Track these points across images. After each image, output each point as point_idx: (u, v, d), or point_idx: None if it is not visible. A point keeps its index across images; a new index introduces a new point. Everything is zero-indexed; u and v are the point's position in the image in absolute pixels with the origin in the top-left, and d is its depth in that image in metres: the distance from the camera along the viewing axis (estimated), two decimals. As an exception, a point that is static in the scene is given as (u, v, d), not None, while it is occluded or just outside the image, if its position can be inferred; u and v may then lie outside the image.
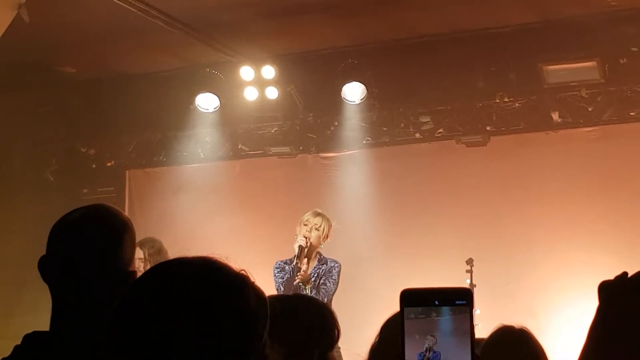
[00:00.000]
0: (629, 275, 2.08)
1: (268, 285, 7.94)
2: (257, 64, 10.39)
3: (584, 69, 9.52)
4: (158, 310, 1.85)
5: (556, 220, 9.65)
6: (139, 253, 7.79)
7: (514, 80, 9.83)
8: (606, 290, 2.07)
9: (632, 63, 9.37)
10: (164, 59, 10.72)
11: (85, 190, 11.66)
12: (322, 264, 8.24)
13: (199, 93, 10.52)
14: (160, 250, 7.96)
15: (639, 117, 9.68)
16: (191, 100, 10.60)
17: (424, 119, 10.52)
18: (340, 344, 3.21)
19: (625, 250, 8.88)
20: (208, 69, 10.47)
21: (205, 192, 11.17)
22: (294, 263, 8.13)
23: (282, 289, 8.04)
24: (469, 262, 8.88)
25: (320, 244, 8.31)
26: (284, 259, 8.36)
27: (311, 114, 10.80)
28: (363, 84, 10.01)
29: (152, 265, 2.59)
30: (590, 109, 9.82)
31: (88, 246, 2.63)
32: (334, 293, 8.10)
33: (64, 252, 2.64)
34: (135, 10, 8.91)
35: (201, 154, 11.39)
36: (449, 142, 10.37)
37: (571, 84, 9.68)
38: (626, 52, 9.36)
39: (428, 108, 10.42)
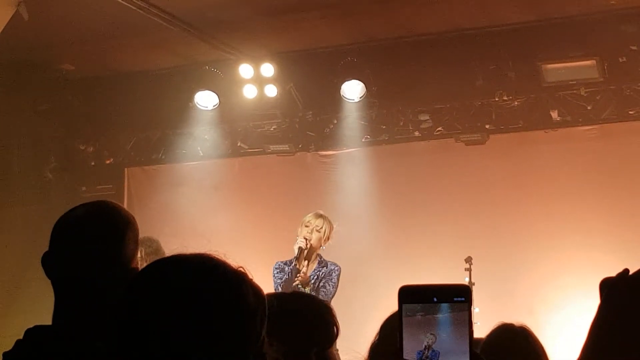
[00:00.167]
0: (630, 272, 2.07)
1: (266, 282, 7.94)
2: (256, 61, 10.38)
3: (583, 67, 9.52)
4: (155, 307, 1.85)
5: (555, 218, 9.65)
6: (136, 251, 7.76)
7: (513, 78, 9.83)
8: (608, 287, 2.07)
9: (631, 62, 9.37)
10: (163, 57, 10.71)
11: (84, 188, 11.66)
12: (322, 267, 8.22)
13: (198, 91, 10.52)
14: (157, 250, 7.93)
15: (638, 116, 9.68)
16: (190, 98, 10.60)
17: (423, 117, 10.52)
18: (339, 342, 3.20)
19: (624, 249, 8.88)
20: (207, 67, 10.47)
21: (204, 190, 11.17)
22: (293, 264, 8.11)
23: (281, 289, 8.02)
24: (468, 260, 8.88)
25: (321, 245, 8.28)
26: (283, 259, 8.34)
27: (310, 112, 10.80)
28: (362, 82, 10.01)
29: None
30: (589, 108, 9.82)
31: (90, 242, 2.64)
32: (333, 296, 8.06)
33: (67, 248, 2.65)
34: (134, 8, 8.90)
35: (200, 152, 11.39)
36: (448, 141, 10.37)
37: (570, 82, 9.68)
38: (625, 51, 9.35)
39: (427, 106, 10.42)
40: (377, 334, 3.51)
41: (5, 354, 2.50)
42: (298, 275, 8.03)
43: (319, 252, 8.30)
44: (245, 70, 10.41)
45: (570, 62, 9.53)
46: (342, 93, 10.12)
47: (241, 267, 1.96)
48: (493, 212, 9.98)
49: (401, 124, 10.59)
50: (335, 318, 3.24)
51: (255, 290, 1.95)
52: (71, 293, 2.61)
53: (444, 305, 1.58)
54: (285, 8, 9.26)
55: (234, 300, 1.89)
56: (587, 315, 2.14)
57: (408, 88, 10.19)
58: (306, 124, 10.92)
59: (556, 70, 9.58)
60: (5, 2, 7.72)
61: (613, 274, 2.14)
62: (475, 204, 10.02)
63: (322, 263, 8.24)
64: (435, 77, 9.92)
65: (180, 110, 10.88)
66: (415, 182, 10.47)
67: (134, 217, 2.75)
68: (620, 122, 9.74)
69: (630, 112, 9.70)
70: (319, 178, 10.88)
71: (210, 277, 1.90)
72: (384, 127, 10.64)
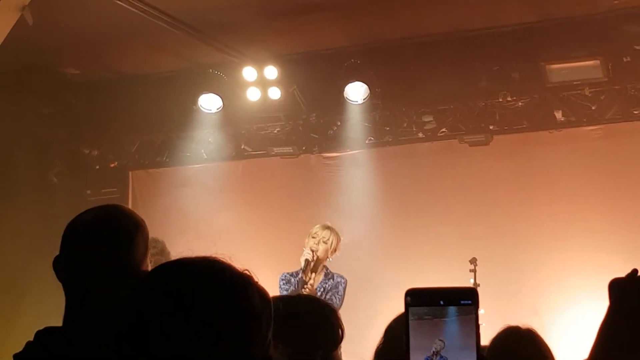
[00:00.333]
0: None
1: (271, 285, 7.94)
2: (259, 64, 10.38)
3: (587, 67, 9.51)
4: (161, 310, 1.86)
5: (560, 219, 9.64)
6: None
7: (516, 79, 9.82)
8: (617, 288, 2.07)
9: (635, 61, 9.36)
10: (166, 60, 10.72)
11: (88, 192, 11.66)
12: (329, 279, 8.20)
13: (201, 94, 10.52)
14: (162, 251, 7.94)
15: (642, 116, 9.68)
16: (194, 101, 10.60)
17: (426, 119, 10.51)
18: (344, 345, 3.21)
19: (628, 249, 8.86)
20: (211, 70, 10.47)
21: (208, 193, 11.17)
22: (300, 277, 8.09)
23: None
24: (473, 261, 8.86)
25: (327, 257, 8.27)
26: (287, 261, 8.35)
27: (314, 114, 10.80)
28: (366, 83, 10.00)
29: (154, 265, 2.61)
30: (593, 108, 9.81)
31: (100, 246, 2.66)
32: (339, 309, 8.03)
33: (77, 251, 2.68)
34: (138, 12, 8.91)
35: (204, 155, 11.39)
36: (452, 142, 10.36)
37: (574, 82, 9.67)
38: (629, 51, 9.34)
39: (431, 107, 10.41)
40: (382, 337, 3.50)
41: (15, 356, 2.52)
42: (304, 287, 8.01)
43: (326, 263, 8.28)
44: (248, 72, 10.41)
45: (574, 62, 9.52)
46: (345, 95, 10.12)
47: (247, 270, 1.96)
48: (497, 213, 9.97)
49: (405, 125, 10.59)
50: (340, 321, 3.25)
51: (261, 293, 1.95)
52: (82, 296, 2.63)
53: (451, 309, 1.57)
54: (289, 10, 9.26)
55: (240, 304, 1.89)
56: (591, 316, 2.15)
57: (411, 89, 10.19)
58: (310, 126, 10.92)
59: (560, 70, 9.57)
60: (10, 6, 7.72)
61: (617, 274, 2.13)
62: (479, 205, 10.01)
63: (329, 275, 8.22)
64: (438, 78, 9.91)
65: (184, 113, 10.88)
66: (419, 183, 10.46)
67: (144, 221, 2.77)
68: (624, 122, 9.73)
69: (635, 112, 9.68)
70: (323, 180, 10.88)
71: (217, 281, 1.90)
72: (388, 128, 10.63)
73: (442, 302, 1.57)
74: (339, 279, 8.19)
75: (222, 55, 10.37)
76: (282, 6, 9.17)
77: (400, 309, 1.61)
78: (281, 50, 10.37)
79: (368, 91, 10.05)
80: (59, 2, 8.74)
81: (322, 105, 10.65)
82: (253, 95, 10.52)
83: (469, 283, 8.57)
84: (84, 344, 2.51)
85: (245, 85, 10.48)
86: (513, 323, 4.03)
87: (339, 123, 10.75)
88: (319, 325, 3.16)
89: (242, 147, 11.31)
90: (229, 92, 10.51)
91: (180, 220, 10.87)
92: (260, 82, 10.45)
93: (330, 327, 3.21)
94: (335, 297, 8.04)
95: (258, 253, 9.39)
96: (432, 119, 10.47)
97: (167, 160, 11.65)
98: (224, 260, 1.94)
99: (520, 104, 10.01)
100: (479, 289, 1.72)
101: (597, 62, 9.43)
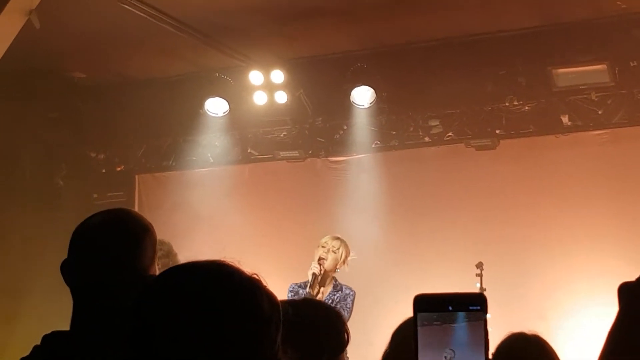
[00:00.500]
0: None
1: (277, 289, 7.92)
2: (266, 68, 10.39)
3: (594, 72, 9.50)
4: (169, 314, 1.85)
5: (566, 223, 9.63)
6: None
7: (523, 83, 9.81)
8: (627, 292, 2.06)
9: (642, 66, 9.36)
10: (173, 64, 10.73)
11: (95, 195, 11.67)
12: (337, 291, 8.14)
13: (208, 97, 10.53)
14: (169, 253, 7.93)
15: (649, 120, 9.67)
16: (200, 105, 10.61)
17: (433, 123, 10.51)
18: (350, 349, 3.21)
19: (636, 253, 8.84)
20: (217, 74, 10.48)
21: (215, 197, 11.17)
22: (307, 291, 8.06)
23: None
24: (479, 265, 8.86)
25: (336, 268, 8.22)
26: (292, 265, 8.33)
27: (320, 118, 10.80)
28: (372, 87, 10.00)
29: (161, 267, 2.62)
30: (600, 112, 9.80)
31: (108, 250, 2.66)
32: (347, 321, 7.98)
33: (85, 255, 2.67)
34: (144, 16, 8.93)
35: (210, 159, 11.40)
36: (458, 146, 10.35)
37: (581, 87, 9.66)
38: (636, 55, 9.32)
39: (437, 112, 10.41)
40: (390, 342, 3.50)
41: None
42: None
43: (334, 275, 8.25)
44: (255, 76, 10.42)
45: (581, 66, 9.51)
46: (352, 99, 10.12)
47: (255, 273, 1.96)
48: (504, 218, 9.95)
49: (411, 129, 10.58)
50: (346, 326, 3.26)
51: (270, 297, 1.94)
52: (89, 300, 2.63)
53: (460, 314, 1.56)
54: (295, 15, 9.27)
55: (249, 308, 1.88)
56: (598, 320, 2.15)
57: (418, 93, 10.19)
58: (316, 130, 10.92)
59: (567, 74, 9.57)
60: (17, 10, 7.73)
61: (624, 279, 2.13)
62: (485, 210, 10.00)
63: (337, 287, 8.18)
64: (445, 83, 9.91)
65: (190, 117, 10.89)
66: (425, 187, 10.45)
67: (152, 225, 2.77)
68: (631, 126, 9.71)
69: (641, 117, 9.68)
70: (329, 184, 10.87)
71: (225, 284, 1.89)
72: (394, 132, 10.63)
73: (450, 308, 1.57)
74: (347, 291, 8.14)
75: (228, 59, 10.38)
76: (289, 10, 9.18)
77: (406, 313, 1.61)
78: (288, 54, 10.38)
79: (374, 95, 10.05)
80: (65, 6, 8.76)
81: (328, 109, 10.65)
82: (259, 99, 10.52)
83: (475, 287, 8.56)
84: (92, 348, 2.51)
85: (251, 89, 10.49)
86: (519, 328, 4.00)
87: (345, 127, 10.75)
88: (325, 329, 3.16)
89: (249, 151, 11.31)
90: (236, 96, 10.52)
91: (186, 224, 10.87)
92: (267, 86, 10.46)
93: (336, 331, 3.21)
94: (344, 310, 7.94)
95: (264, 257, 9.40)
96: (438, 123, 10.47)
97: (174, 164, 11.65)
98: (232, 264, 1.94)
99: (526, 108, 10.00)
100: (485, 294, 1.73)
101: (604, 66, 9.42)
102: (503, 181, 10.10)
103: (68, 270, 2.68)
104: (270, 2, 9.00)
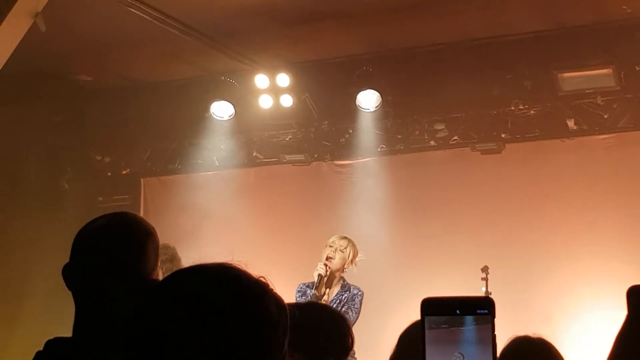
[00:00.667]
0: None
1: (283, 293, 7.92)
2: (272, 71, 10.40)
3: (600, 76, 9.49)
4: (176, 318, 1.82)
5: (572, 227, 9.62)
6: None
7: (529, 87, 9.80)
8: (636, 295, 2.05)
9: (647, 70, 9.35)
10: (178, 67, 10.74)
11: (100, 198, 11.68)
12: (345, 291, 8.10)
13: (214, 101, 10.54)
14: (173, 257, 7.92)
15: (655, 125, 9.66)
16: (206, 108, 10.61)
17: (438, 127, 10.51)
18: (358, 352, 3.21)
19: (641, 258, 8.86)
20: (223, 77, 10.48)
21: (220, 200, 11.17)
22: (313, 292, 8.03)
23: None
24: (485, 269, 8.85)
25: (344, 267, 8.19)
26: (298, 269, 8.31)
27: (326, 122, 10.80)
28: (378, 91, 10.01)
29: (164, 272, 2.60)
30: (605, 117, 9.79)
31: (110, 254, 2.64)
32: (355, 322, 7.96)
33: (87, 259, 2.66)
34: (150, 19, 8.93)
35: (216, 162, 11.40)
36: (464, 150, 10.35)
37: (586, 91, 9.65)
38: (642, 59, 9.34)
39: (443, 115, 10.40)
40: (397, 344, 3.50)
41: None
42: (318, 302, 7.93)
43: (342, 274, 8.22)
44: (260, 80, 10.43)
45: (587, 70, 9.50)
46: (357, 103, 10.12)
47: (262, 276, 1.94)
48: (509, 221, 9.95)
49: (417, 133, 10.58)
50: (351, 330, 3.26)
51: (278, 300, 1.92)
52: (92, 304, 2.61)
53: (468, 318, 1.56)
54: (301, 18, 9.27)
55: (257, 311, 1.86)
56: (604, 324, 2.14)
57: (423, 97, 10.18)
58: (322, 133, 10.92)
59: (572, 78, 9.56)
60: (23, 13, 7.74)
61: (630, 283, 2.12)
62: (491, 213, 10.00)
63: (345, 287, 8.13)
64: (450, 86, 9.90)
65: (196, 121, 10.90)
66: (430, 191, 10.44)
67: (154, 229, 2.75)
68: (636, 130, 9.70)
69: (647, 121, 9.67)
70: (335, 188, 10.87)
71: (232, 288, 1.87)
72: (400, 136, 10.63)
73: (458, 312, 1.56)
74: (355, 291, 8.09)
75: (234, 63, 10.39)
76: (295, 14, 9.18)
77: (412, 316, 1.61)
78: (293, 58, 10.39)
79: (380, 99, 10.06)
80: (71, 9, 8.76)
81: (334, 113, 10.65)
82: (265, 102, 10.53)
83: (481, 291, 8.55)
84: (95, 353, 2.51)
85: (257, 92, 10.49)
86: (525, 331, 3.98)
87: (350, 131, 10.75)
88: (331, 333, 3.17)
89: (254, 154, 11.31)
90: (241, 99, 10.52)
91: (191, 227, 10.88)
92: (272, 90, 10.46)
93: (342, 335, 3.21)
94: (352, 310, 7.92)
95: (269, 260, 9.34)
96: (444, 127, 10.46)
97: (179, 167, 11.66)
98: (239, 267, 1.92)
99: (532, 112, 9.99)
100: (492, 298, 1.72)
101: (610, 70, 9.42)
102: (508, 185, 10.09)
103: (69, 273, 2.66)
104: (276, 5, 9.01)
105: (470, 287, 8.66)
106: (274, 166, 11.23)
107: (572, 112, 9.86)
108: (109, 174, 11.91)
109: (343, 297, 8.06)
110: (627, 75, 9.44)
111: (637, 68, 9.37)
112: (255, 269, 1.95)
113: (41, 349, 2.57)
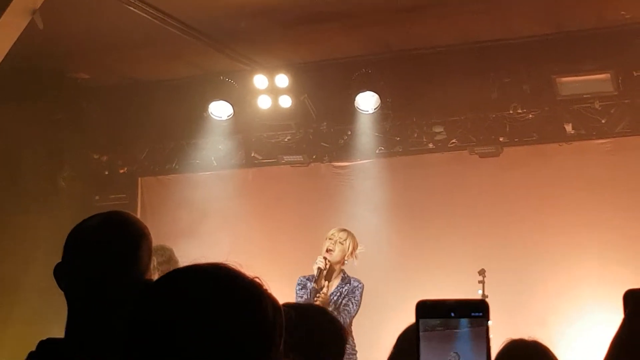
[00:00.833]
0: None
1: (280, 294, 7.91)
2: (270, 72, 10.40)
3: (598, 81, 9.50)
4: (171, 318, 1.82)
5: (569, 231, 9.62)
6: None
7: (527, 91, 9.82)
8: (633, 298, 2.05)
9: (646, 75, 9.37)
10: (177, 67, 10.74)
11: (97, 197, 11.66)
12: (346, 283, 8.09)
13: (212, 101, 10.53)
14: (170, 259, 7.88)
15: (652, 129, 9.67)
16: (204, 108, 10.61)
17: (437, 129, 10.51)
18: (357, 352, 3.22)
19: (638, 261, 8.86)
20: (222, 77, 10.48)
21: (218, 200, 11.17)
22: (312, 286, 8.02)
23: None
24: (481, 272, 8.85)
25: (344, 260, 8.18)
26: (296, 269, 8.30)
27: (324, 123, 10.80)
28: (377, 93, 10.01)
29: (161, 273, 2.58)
30: (603, 121, 9.80)
31: (103, 253, 2.62)
32: (355, 314, 7.97)
33: (79, 259, 2.63)
34: (149, 18, 8.93)
35: (214, 162, 11.39)
36: (462, 153, 10.35)
37: (585, 96, 9.67)
38: (640, 65, 9.35)
39: (441, 118, 10.41)
40: (394, 346, 3.49)
41: None
42: (318, 295, 7.92)
43: (343, 267, 8.21)
44: (259, 80, 10.42)
45: (585, 75, 9.51)
46: (356, 104, 10.13)
47: (257, 277, 1.92)
48: (507, 225, 9.95)
49: (415, 135, 10.59)
50: (345, 331, 3.26)
51: (273, 301, 1.91)
52: (84, 305, 2.59)
53: (462, 321, 1.56)
54: (300, 19, 9.27)
55: (253, 312, 1.85)
56: (600, 327, 2.14)
57: (422, 100, 10.19)
58: (320, 135, 10.92)
59: (571, 83, 9.57)
60: (20, 10, 7.73)
61: (627, 286, 2.12)
62: (489, 216, 10.00)
63: (346, 279, 8.12)
64: (449, 89, 9.92)
65: (194, 120, 10.90)
66: (429, 194, 10.45)
67: (147, 228, 2.74)
68: (634, 135, 9.71)
69: (645, 126, 9.68)
70: (333, 189, 10.87)
71: (228, 288, 1.86)
72: (398, 138, 10.64)
73: (453, 314, 1.56)
74: (355, 284, 8.07)
75: (233, 63, 10.39)
76: (294, 15, 9.18)
77: (411, 317, 1.61)
78: (292, 59, 10.39)
79: (379, 101, 10.06)
80: (69, 7, 8.75)
81: (332, 114, 10.66)
82: (264, 103, 10.52)
83: (478, 294, 8.55)
84: (87, 354, 2.49)
85: (256, 92, 10.49)
86: (521, 334, 3.97)
87: (349, 132, 10.75)
88: (327, 335, 3.17)
89: (252, 154, 11.31)
90: (240, 99, 10.52)
91: (189, 227, 10.88)
92: (271, 90, 10.46)
93: (338, 336, 3.22)
94: (352, 303, 7.94)
95: (267, 261, 9.38)
96: (442, 129, 10.47)
97: (177, 167, 11.65)
98: (234, 267, 1.91)
99: (530, 116, 10.00)
100: (487, 300, 1.72)
101: (608, 75, 9.43)
102: (506, 188, 10.11)
103: (62, 274, 2.64)
104: (276, 6, 9.01)
105: (467, 289, 8.67)
106: (272, 167, 11.23)
107: (570, 117, 9.87)
108: (107, 172, 11.90)
109: (343, 290, 8.05)
110: (625, 81, 9.46)
111: (635, 73, 9.39)
112: (252, 270, 1.94)
113: (34, 349, 2.56)
